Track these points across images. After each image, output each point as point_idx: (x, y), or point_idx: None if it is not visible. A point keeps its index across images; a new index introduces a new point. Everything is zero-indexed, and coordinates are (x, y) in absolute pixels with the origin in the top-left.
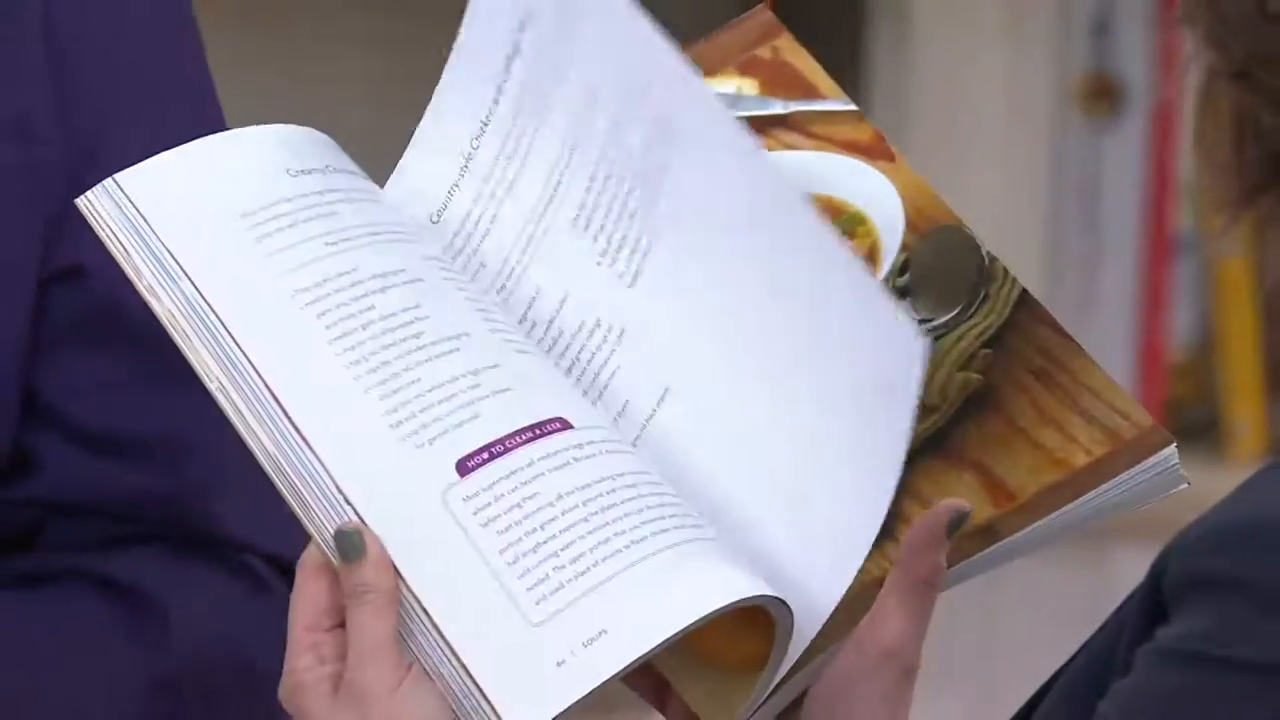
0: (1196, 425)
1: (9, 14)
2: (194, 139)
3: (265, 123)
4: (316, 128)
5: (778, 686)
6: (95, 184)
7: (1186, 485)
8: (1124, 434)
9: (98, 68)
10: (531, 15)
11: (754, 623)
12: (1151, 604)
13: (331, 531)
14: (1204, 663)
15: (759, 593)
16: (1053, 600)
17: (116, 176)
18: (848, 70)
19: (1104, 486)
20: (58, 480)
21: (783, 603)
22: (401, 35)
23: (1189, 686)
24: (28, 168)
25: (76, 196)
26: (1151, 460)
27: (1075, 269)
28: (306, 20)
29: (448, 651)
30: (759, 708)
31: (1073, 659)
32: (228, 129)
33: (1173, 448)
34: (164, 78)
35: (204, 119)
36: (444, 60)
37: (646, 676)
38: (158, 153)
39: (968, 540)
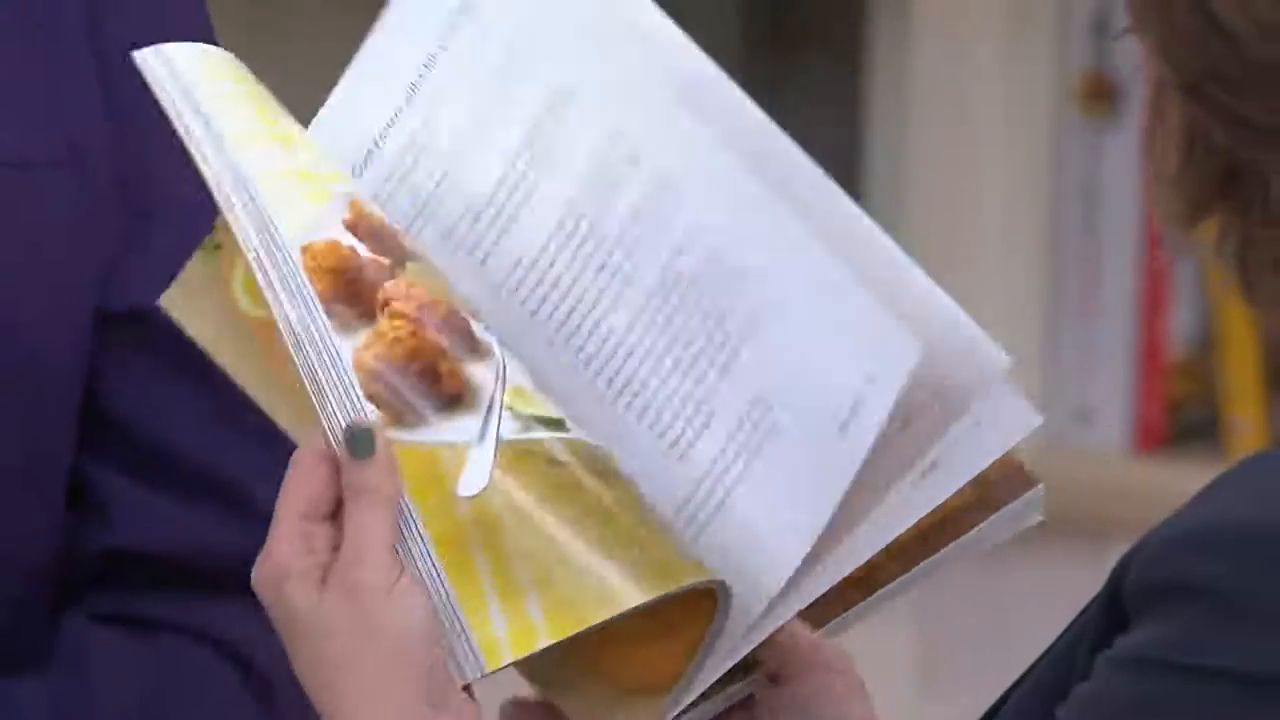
0: (1196, 425)
1: (54, 31)
2: None
3: None
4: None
5: (696, 703)
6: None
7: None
8: (990, 476)
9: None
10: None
11: (664, 638)
12: (1111, 609)
13: (343, 420)
14: (1170, 671)
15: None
16: (1053, 598)
17: (169, 47)
18: (848, 70)
19: (973, 532)
20: (129, 525)
21: (725, 586)
22: None
23: (1153, 695)
24: (82, 196)
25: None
26: (1019, 501)
27: (1075, 269)
28: (308, 23)
29: (436, 562)
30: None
31: (1036, 663)
32: None
33: (1039, 488)
34: None
35: None
36: None
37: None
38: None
39: (850, 590)
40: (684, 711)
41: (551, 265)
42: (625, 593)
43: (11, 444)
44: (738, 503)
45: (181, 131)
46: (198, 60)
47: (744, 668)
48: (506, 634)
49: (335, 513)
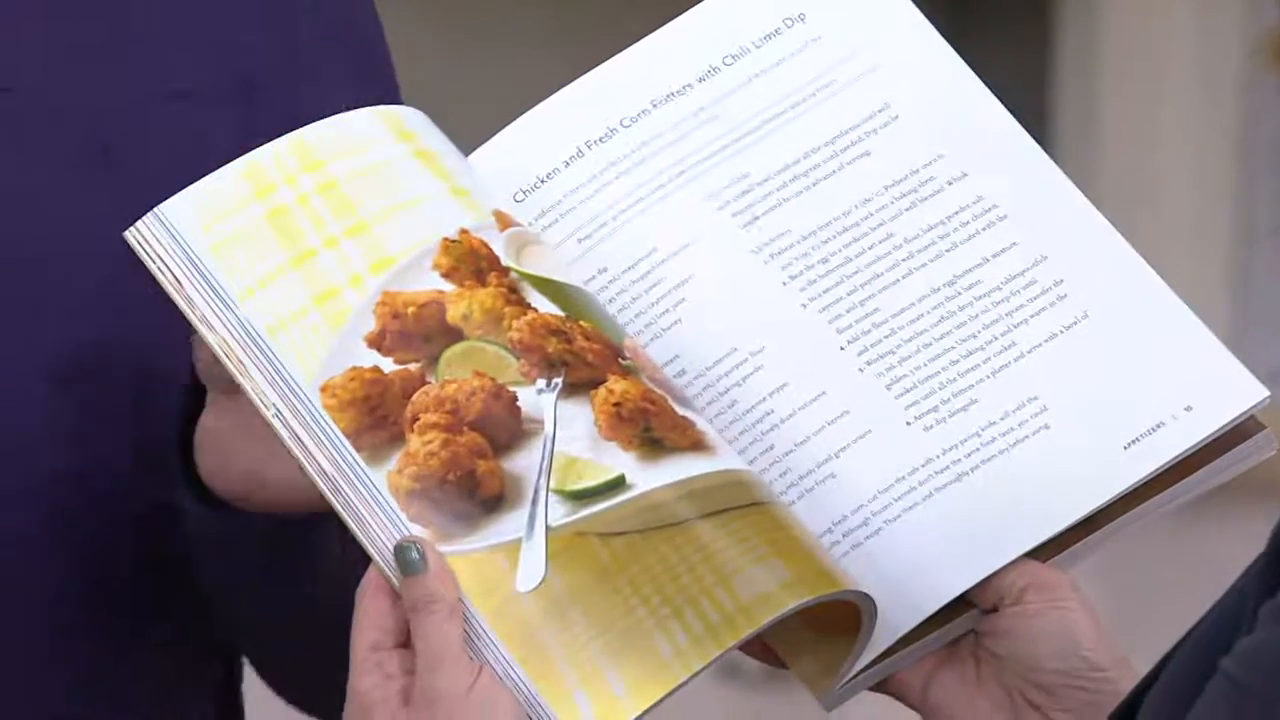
0: None
1: None
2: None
3: None
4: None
5: (865, 670)
6: None
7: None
8: None
9: (314, 25)
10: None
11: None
12: (1273, 565)
13: (391, 547)
14: None
15: (845, 588)
16: (1237, 560)
17: (163, 206)
18: (1036, 34)
19: (1200, 473)
20: None
21: (868, 597)
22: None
23: None
24: (252, 130)
25: None
26: (1248, 443)
27: (1267, 228)
28: None
29: (510, 660)
30: (849, 680)
31: (1203, 619)
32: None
33: (1267, 431)
34: (368, 40)
35: (392, 90)
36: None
37: (759, 646)
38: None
39: (1068, 532)
40: (897, 647)
41: (826, 242)
42: (712, 639)
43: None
44: (977, 481)
45: (182, 305)
46: (199, 204)
47: (959, 606)
48: (594, 715)
49: (406, 640)
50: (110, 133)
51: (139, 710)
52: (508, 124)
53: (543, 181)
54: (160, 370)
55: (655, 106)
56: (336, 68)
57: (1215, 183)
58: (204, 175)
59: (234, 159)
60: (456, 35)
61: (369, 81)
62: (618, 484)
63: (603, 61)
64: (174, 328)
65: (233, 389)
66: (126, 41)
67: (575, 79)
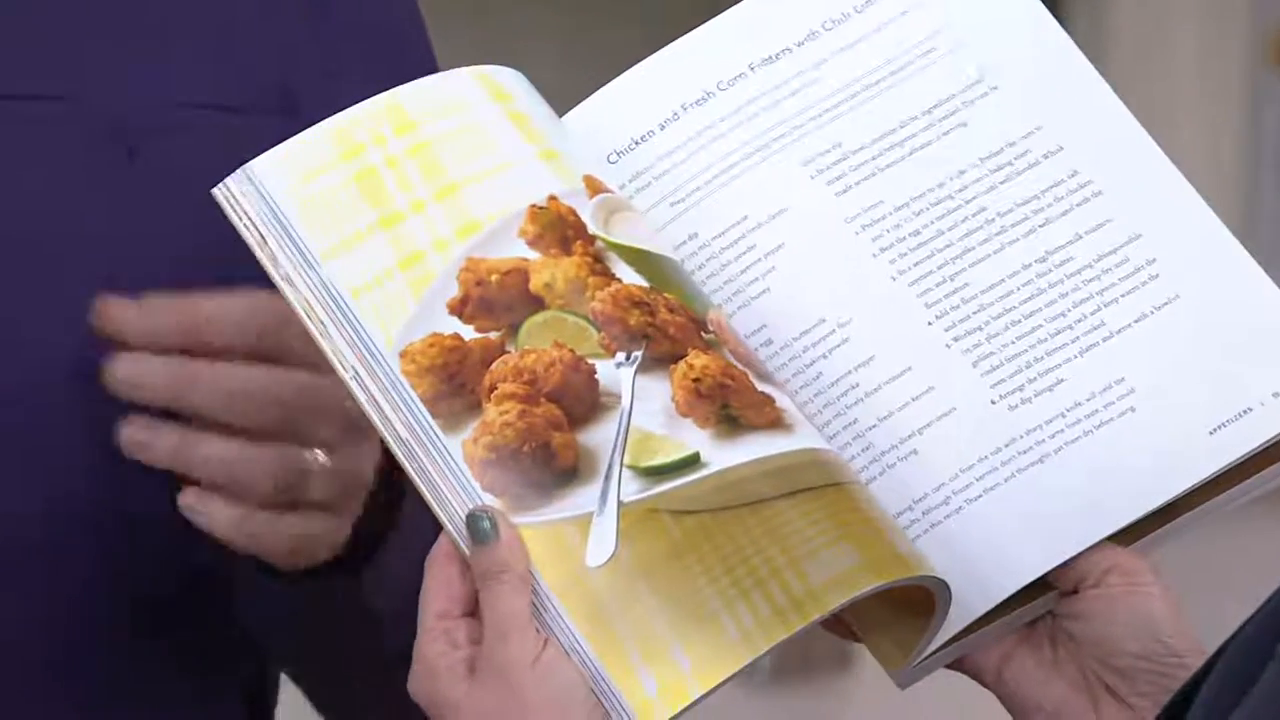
0: None
1: None
2: None
3: None
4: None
5: (940, 649)
6: None
7: None
8: None
9: (353, 27)
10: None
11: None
12: None
13: (463, 516)
14: None
15: (920, 573)
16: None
17: (253, 163)
18: None
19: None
20: None
21: (943, 582)
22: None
23: None
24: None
25: None
26: None
27: (1271, 226)
28: None
29: (576, 634)
30: (923, 660)
31: (1256, 611)
32: None
33: None
34: (407, 39)
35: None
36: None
37: (833, 620)
38: None
39: (1148, 517)
40: (973, 628)
41: (919, 214)
42: (780, 621)
43: None
44: (1061, 463)
45: (266, 262)
46: (287, 164)
47: (1038, 588)
48: (658, 692)
49: (474, 610)
50: (137, 136)
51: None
52: None
53: (637, 143)
54: None
55: (753, 70)
56: (373, 68)
57: (1222, 182)
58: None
59: None
60: (468, 34)
61: (409, 80)
62: (692, 461)
63: (616, 57)
64: None
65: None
66: (171, 49)
67: (585, 75)
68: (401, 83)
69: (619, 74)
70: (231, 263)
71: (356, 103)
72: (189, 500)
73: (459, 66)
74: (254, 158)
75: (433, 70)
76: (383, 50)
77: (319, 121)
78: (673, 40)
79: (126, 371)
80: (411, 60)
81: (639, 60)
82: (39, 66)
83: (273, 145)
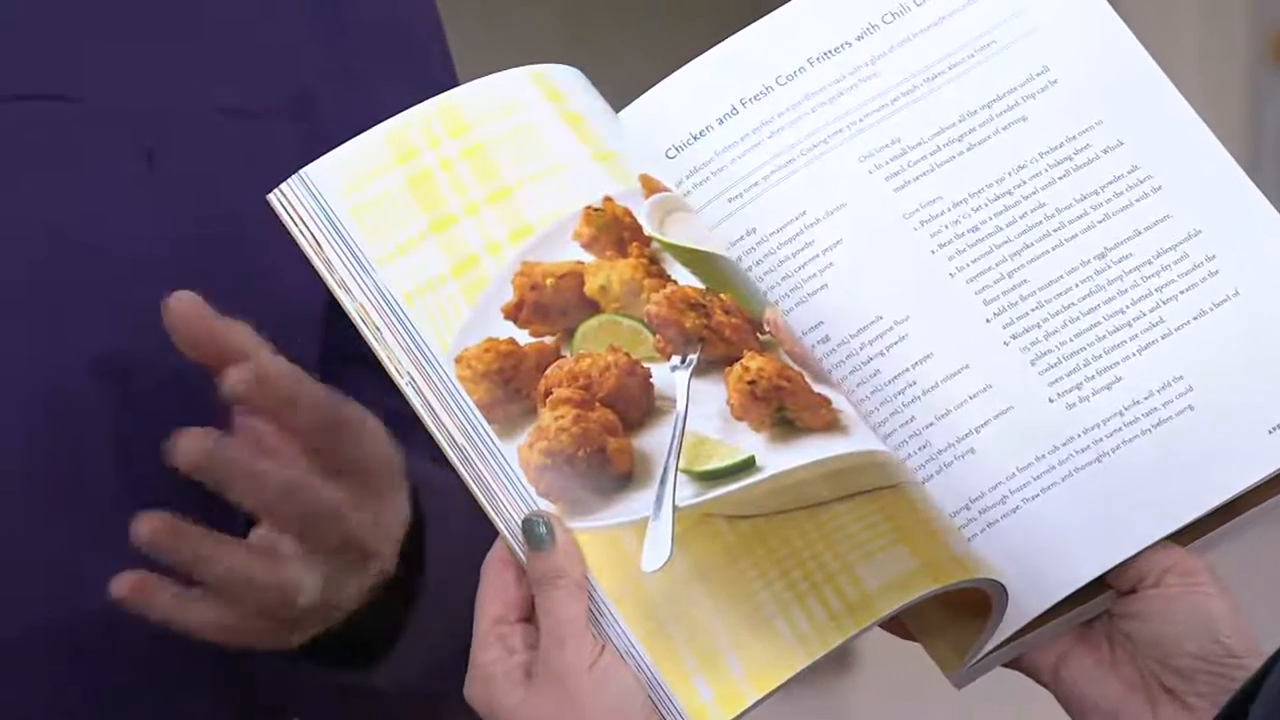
0: None
1: None
2: None
3: None
4: None
5: (996, 649)
6: None
7: None
8: None
9: (365, 29)
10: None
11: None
12: None
13: (519, 521)
14: None
15: (978, 576)
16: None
17: (308, 168)
18: None
19: None
20: None
21: (999, 584)
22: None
23: None
24: (312, 144)
25: None
26: None
27: None
28: None
29: (633, 639)
30: (979, 660)
31: None
32: None
33: None
34: (422, 39)
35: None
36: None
37: (894, 625)
38: None
39: (1206, 517)
40: (1030, 627)
41: (977, 210)
42: (834, 626)
43: None
44: (1119, 462)
45: (321, 267)
46: (342, 168)
47: (1095, 587)
48: (714, 699)
49: (529, 615)
50: (156, 139)
51: None
52: None
53: (695, 138)
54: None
55: (812, 64)
56: (391, 68)
57: None
58: (252, 187)
59: (291, 171)
60: (473, 34)
61: (423, 80)
62: (747, 466)
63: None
64: None
65: None
66: (187, 53)
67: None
68: (421, 83)
69: (666, 72)
70: (249, 266)
71: (375, 104)
72: (165, 602)
73: (472, 64)
74: (265, 162)
75: (451, 69)
76: (400, 50)
77: (335, 125)
78: (708, 35)
79: (187, 448)
80: (430, 60)
81: (692, 52)
82: (58, 68)
83: (288, 149)
